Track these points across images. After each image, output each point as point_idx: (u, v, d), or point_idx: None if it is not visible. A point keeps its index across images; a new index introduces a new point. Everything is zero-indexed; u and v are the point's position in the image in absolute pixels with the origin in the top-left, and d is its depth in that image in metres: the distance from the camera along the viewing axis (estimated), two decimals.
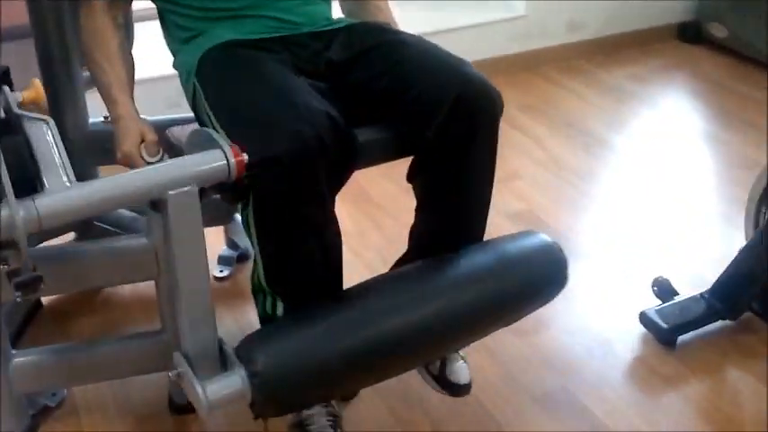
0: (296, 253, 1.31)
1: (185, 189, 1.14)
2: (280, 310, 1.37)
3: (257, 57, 1.41)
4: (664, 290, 1.86)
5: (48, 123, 1.12)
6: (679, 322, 1.78)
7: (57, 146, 1.10)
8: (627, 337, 1.82)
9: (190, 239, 1.18)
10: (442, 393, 1.53)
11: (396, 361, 1.35)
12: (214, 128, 1.37)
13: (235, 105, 1.34)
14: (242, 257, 2.05)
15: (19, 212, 1.01)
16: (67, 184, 1.08)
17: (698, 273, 1.96)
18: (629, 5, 3.30)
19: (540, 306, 1.47)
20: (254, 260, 1.36)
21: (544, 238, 1.47)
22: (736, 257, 1.77)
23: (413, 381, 1.60)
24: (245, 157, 1.17)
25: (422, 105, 1.35)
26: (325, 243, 1.33)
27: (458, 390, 1.52)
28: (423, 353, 1.39)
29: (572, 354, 1.77)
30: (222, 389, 1.23)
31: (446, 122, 1.34)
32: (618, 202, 2.38)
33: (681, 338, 1.79)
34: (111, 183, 1.10)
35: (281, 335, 1.29)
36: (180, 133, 1.56)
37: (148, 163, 1.39)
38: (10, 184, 1.02)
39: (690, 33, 3.43)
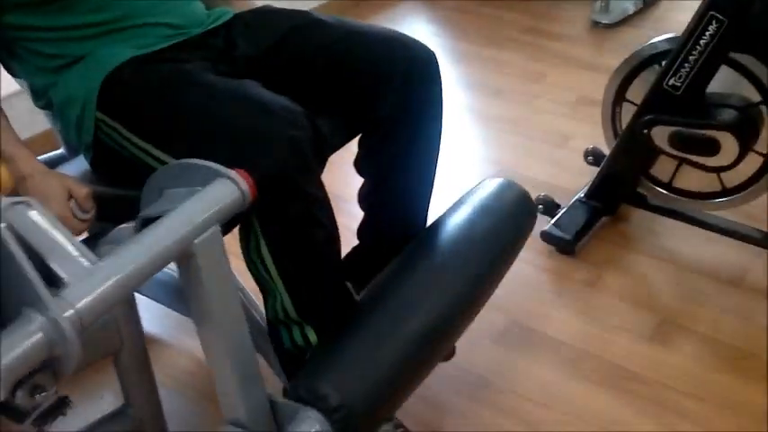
0: (323, 268, 1.20)
1: (210, 232, 0.98)
2: (312, 336, 1.23)
3: (181, 69, 1.23)
4: (548, 206, 1.99)
5: (30, 204, 0.89)
6: (577, 230, 1.92)
7: (55, 226, 0.88)
8: (533, 259, 1.93)
9: (224, 290, 1.02)
10: None
11: (442, 344, 1.28)
12: (156, 160, 1.19)
13: (194, 127, 1.16)
14: None
15: (63, 317, 0.80)
16: (87, 263, 0.87)
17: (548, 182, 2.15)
18: None
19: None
20: (272, 294, 1.22)
21: (501, 182, 1.45)
22: (606, 160, 1.95)
23: None
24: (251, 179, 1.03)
25: (371, 81, 1.30)
26: (338, 246, 1.23)
27: None
28: (458, 330, 1.32)
29: (503, 291, 1.82)
30: None
31: (401, 94, 1.30)
32: None
33: None
34: (138, 249, 0.91)
35: (334, 362, 1.14)
36: None
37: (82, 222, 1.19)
38: (41, 282, 0.80)
39: None
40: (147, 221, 1.04)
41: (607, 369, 1.63)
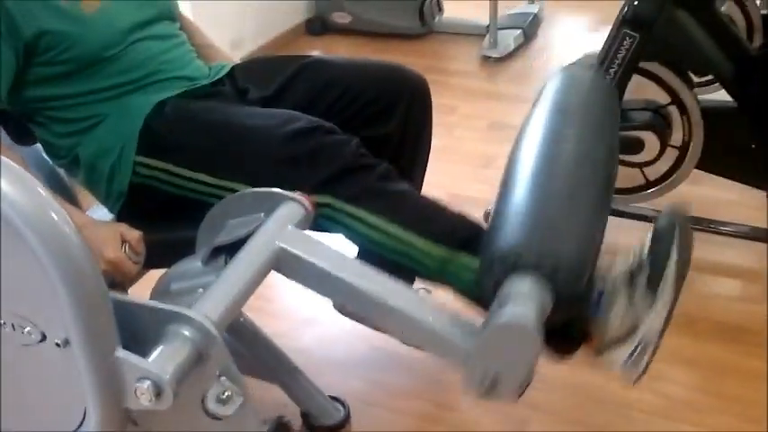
0: (423, 199, 1.29)
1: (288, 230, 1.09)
2: (472, 259, 1.19)
3: (214, 105, 1.34)
4: None
5: None
6: None
7: None
8: None
9: (334, 254, 1.09)
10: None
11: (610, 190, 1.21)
12: (214, 188, 1.28)
13: (253, 149, 1.25)
14: None
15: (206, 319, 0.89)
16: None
17: None
18: (263, 17, 3.57)
19: None
20: (411, 251, 1.22)
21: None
22: None
23: None
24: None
25: (379, 106, 1.46)
26: None
27: None
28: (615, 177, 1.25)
29: None
30: (525, 310, 0.93)
31: (404, 116, 1.48)
32: None
33: None
34: (242, 267, 1.01)
35: (523, 227, 1.03)
36: None
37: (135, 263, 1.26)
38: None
39: (316, 27, 3.82)
40: (218, 250, 1.14)
41: (584, 350, 1.82)
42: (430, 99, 1.55)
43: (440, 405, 1.70)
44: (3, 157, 0.79)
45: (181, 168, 1.30)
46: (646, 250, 1.08)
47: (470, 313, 1.16)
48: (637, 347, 1.07)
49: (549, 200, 1.08)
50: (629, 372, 1.09)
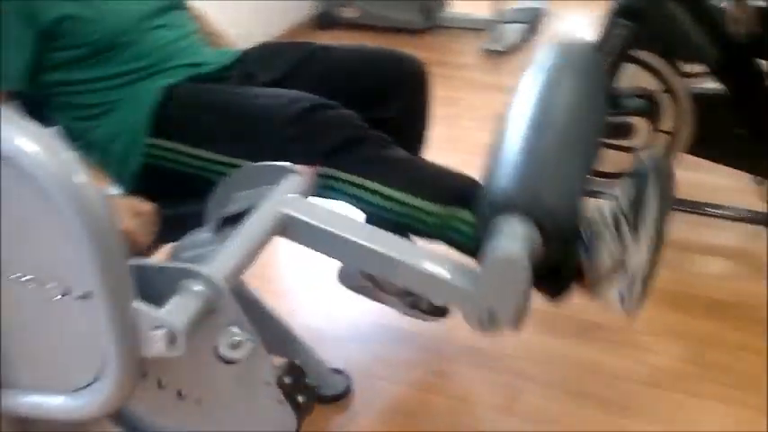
0: (422, 161, 1.40)
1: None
2: (471, 216, 1.26)
3: (221, 87, 1.43)
4: None
5: None
6: None
7: None
8: None
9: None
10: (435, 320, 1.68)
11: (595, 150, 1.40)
12: (222, 165, 1.36)
13: (254, 130, 1.33)
14: None
15: (216, 276, 0.98)
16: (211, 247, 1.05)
17: None
18: (272, 11, 3.67)
19: None
20: (413, 213, 1.29)
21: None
22: None
23: None
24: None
25: (381, 90, 1.54)
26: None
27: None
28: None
29: None
30: (512, 244, 1.04)
31: (404, 99, 1.55)
32: None
33: None
34: (251, 225, 1.10)
35: (515, 174, 1.14)
36: None
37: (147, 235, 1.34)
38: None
39: (326, 21, 3.91)
40: (226, 220, 1.24)
41: (577, 324, 1.91)
42: (428, 82, 1.62)
43: (439, 374, 1.78)
44: (32, 124, 0.87)
45: (186, 146, 1.37)
46: (628, 193, 1.16)
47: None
48: (627, 281, 1.13)
49: (540, 151, 1.18)
50: (625, 306, 1.15)
